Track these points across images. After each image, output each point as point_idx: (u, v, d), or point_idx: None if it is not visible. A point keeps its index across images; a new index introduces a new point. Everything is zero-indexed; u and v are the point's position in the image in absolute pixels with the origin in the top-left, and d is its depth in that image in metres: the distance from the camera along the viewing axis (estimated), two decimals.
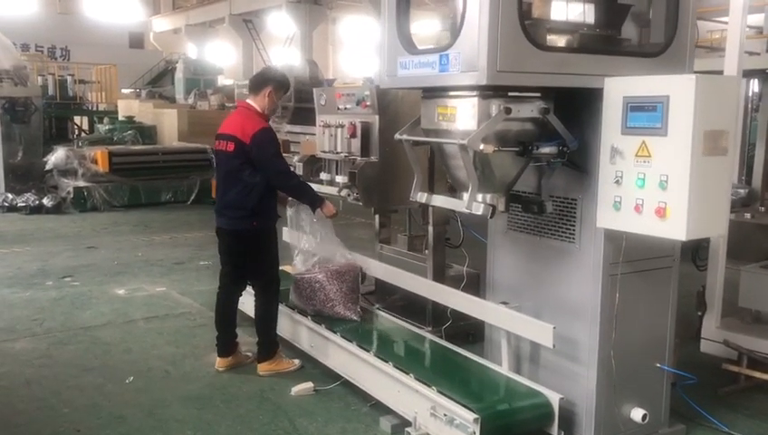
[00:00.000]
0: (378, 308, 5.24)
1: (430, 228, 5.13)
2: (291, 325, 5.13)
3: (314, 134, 5.69)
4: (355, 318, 4.86)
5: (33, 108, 13.73)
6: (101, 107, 18.66)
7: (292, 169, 5.07)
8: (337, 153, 5.08)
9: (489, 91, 3.26)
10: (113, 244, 9.49)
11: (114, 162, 12.66)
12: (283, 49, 28.92)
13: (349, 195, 5.01)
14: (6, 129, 13.27)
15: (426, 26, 23.24)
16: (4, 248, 9.07)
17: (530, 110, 3.34)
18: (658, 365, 3.83)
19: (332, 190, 5.12)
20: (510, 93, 3.28)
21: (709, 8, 10.02)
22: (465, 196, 3.47)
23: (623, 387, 3.67)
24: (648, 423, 3.75)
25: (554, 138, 3.40)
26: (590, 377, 3.66)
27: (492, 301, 4.20)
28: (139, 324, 5.99)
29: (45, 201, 12.02)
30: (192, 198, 13.20)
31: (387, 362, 4.13)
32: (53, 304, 6.55)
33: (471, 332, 5.05)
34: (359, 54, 33.61)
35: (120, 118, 16.40)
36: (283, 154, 4.88)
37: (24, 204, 12.01)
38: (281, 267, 4.94)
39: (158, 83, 27.62)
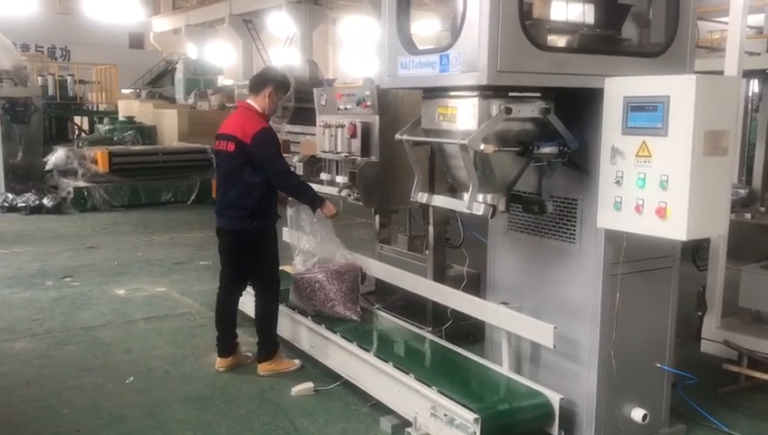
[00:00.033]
0: (378, 308, 5.24)
1: (430, 228, 5.13)
2: (291, 325, 5.13)
3: (314, 134, 5.70)
4: (355, 318, 4.86)
5: (33, 108, 13.73)
6: (101, 107, 18.67)
7: (292, 169, 5.07)
8: (337, 153, 5.08)
9: (489, 92, 3.26)
10: (113, 244, 9.49)
11: (114, 162, 12.66)
12: (283, 49, 28.92)
13: (349, 195, 5.01)
14: (6, 129, 13.27)
15: (426, 26, 23.23)
16: (5, 248, 9.07)
17: (530, 110, 3.34)
18: (659, 365, 3.83)
19: (333, 190, 5.12)
20: (510, 93, 3.28)
21: (709, 8, 10.02)
22: (466, 196, 3.47)
23: (623, 387, 3.67)
24: (649, 423, 3.75)
25: (555, 138, 3.40)
26: (590, 377, 3.66)
27: (492, 301, 4.20)
28: (140, 325, 5.99)
29: (45, 201, 12.02)
30: (192, 198, 13.20)
31: (387, 362, 4.13)
32: (53, 305, 6.55)
33: (471, 332, 5.05)
34: (359, 54, 33.61)
35: (120, 118, 16.42)
36: (284, 154, 4.89)
37: (24, 204, 12.01)
38: (281, 267, 4.94)
39: (158, 84, 27.62)
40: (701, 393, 4.20)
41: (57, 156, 12.59)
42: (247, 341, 5.14)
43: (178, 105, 18.94)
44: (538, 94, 3.35)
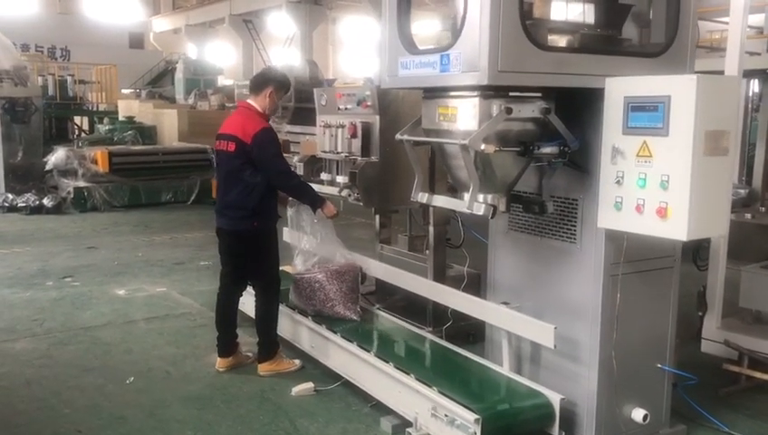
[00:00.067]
0: (378, 308, 5.24)
1: (431, 229, 5.13)
2: (291, 326, 5.12)
3: (314, 134, 5.70)
4: (355, 318, 4.86)
5: (33, 108, 13.73)
6: (101, 107, 18.67)
7: (292, 169, 5.07)
8: (337, 153, 5.08)
9: (490, 92, 3.25)
10: (113, 244, 9.49)
11: (114, 162, 12.66)
12: (283, 49, 28.93)
13: (349, 195, 5.01)
14: (6, 129, 13.27)
15: (426, 26, 23.23)
16: (5, 249, 9.07)
17: (531, 110, 3.34)
18: (659, 365, 3.83)
19: (333, 190, 5.12)
20: (511, 93, 3.28)
21: (710, 8, 10.02)
22: (466, 196, 3.47)
23: (624, 387, 3.67)
24: (649, 424, 3.75)
25: (555, 138, 3.40)
26: (591, 377, 3.66)
27: (493, 301, 4.19)
28: (140, 325, 5.99)
29: (45, 201, 12.01)
30: (192, 198, 13.20)
31: (387, 362, 4.13)
32: (54, 305, 6.54)
33: (472, 332, 5.05)
34: (359, 54, 33.60)
35: (121, 118, 16.41)
36: (284, 154, 4.88)
37: (24, 204, 12.01)
38: (281, 267, 4.94)
39: (158, 84, 27.62)
40: (702, 394, 4.20)
41: (57, 156, 12.58)
42: (247, 341, 5.14)
43: (178, 105, 18.94)
44: (539, 94, 3.35)
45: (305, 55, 24.48)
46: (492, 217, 3.53)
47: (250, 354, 4.98)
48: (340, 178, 5.08)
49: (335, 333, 4.66)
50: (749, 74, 7.30)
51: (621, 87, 3.26)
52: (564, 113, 3.43)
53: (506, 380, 3.93)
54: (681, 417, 4.07)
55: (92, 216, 11.85)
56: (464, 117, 3.35)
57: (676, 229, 3.11)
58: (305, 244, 5.00)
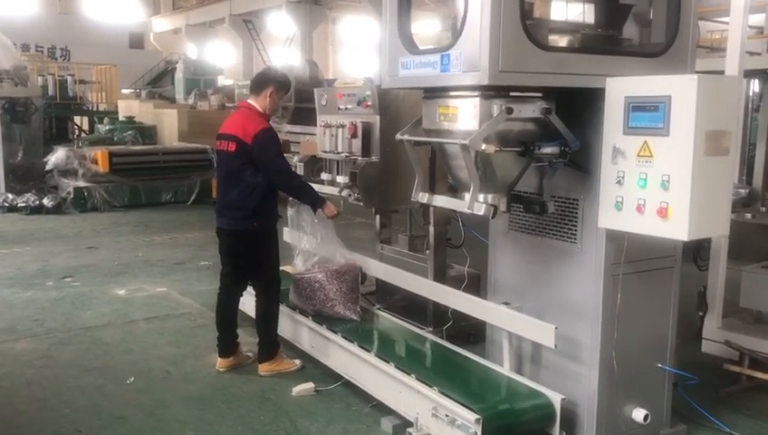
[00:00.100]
0: (378, 308, 5.24)
1: (431, 229, 5.13)
2: (291, 326, 5.12)
3: (315, 134, 5.69)
4: (355, 318, 4.86)
5: (33, 108, 13.73)
6: (102, 107, 18.68)
7: (293, 169, 5.07)
8: (338, 153, 5.08)
9: (491, 92, 3.25)
10: (114, 244, 9.49)
11: (114, 162, 12.66)
12: (283, 49, 28.93)
13: (350, 195, 5.01)
14: (6, 129, 13.27)
15: (426, 26, 23.23)
16: (5, 249, 9.07)
17: (531, 110, 3.34)
18: (660, 365, 3.83)
19: (333, 191, 5.12)
20: (511, 93, 3.28)
21: (710, 8, 10.03)
22: (467, 196, 3.47)
23: (625, 387, 3.67)
24: (650, 424, 3.75)
25: (556, 138, 3.40)
26: (591, 377, 3.66)
27: (493, 301, 4.19)
28: (140, 325, 5.99)
29: (46, 201, 12.01)
30: (192, 198, 13.19)
31: (388, 362, 4.12)
32: (54, 305, 6.54)
33: (472, 332, 5.05)
34: (359, 54, 33.61)
35: (121, 118, 16.41)
36: (284, 154, 4.88)
37: (24, 204, 12.01)
38: (281, 267, 4.94)
39: (158, 84, 27.60)
40: (702, 394, 4.20)
41: (57, 156, 12.58)
42: (248, 341, 5.14)
43: (178, 105, 18.94)
44: (539, 94, 3.35)
45: (305, 55, 24.48)
46: (492, 218, 3.53)
47: (250, 354, 4.98)
48: (341, 179, 5.08)
49: (335, 333, 4.66)
50: (749, 74, 7.30)
51: (622, 87, 3.26)
52: (565, 113, 3.42)
53: (507, 380, 3.93)
54: (682, 417, 4.07)
55: (92, 216, 11.85)
56: (464, 117, 3.35)
57: (677, 229, 3.11)
58: (305, 244, 5.00)
